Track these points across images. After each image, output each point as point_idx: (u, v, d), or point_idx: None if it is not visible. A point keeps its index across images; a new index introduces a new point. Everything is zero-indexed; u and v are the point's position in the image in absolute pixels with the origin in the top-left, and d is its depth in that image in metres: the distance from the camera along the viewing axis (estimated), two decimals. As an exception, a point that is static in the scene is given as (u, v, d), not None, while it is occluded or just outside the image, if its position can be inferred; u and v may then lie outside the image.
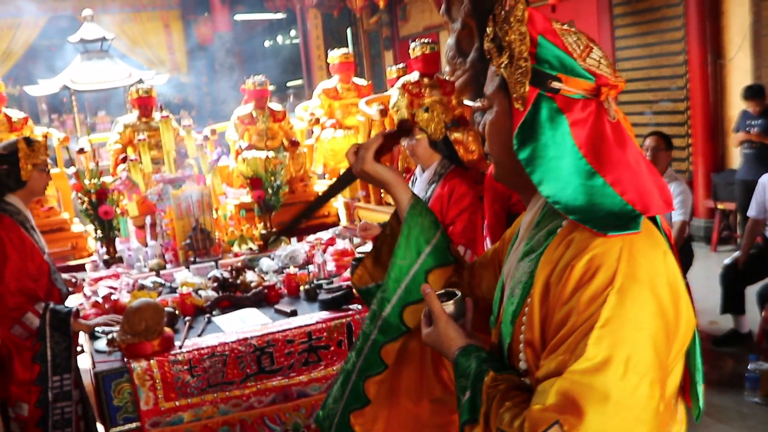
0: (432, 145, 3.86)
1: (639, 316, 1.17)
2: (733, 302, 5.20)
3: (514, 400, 1.27)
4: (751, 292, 5.15)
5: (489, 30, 1.38)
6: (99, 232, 4.99)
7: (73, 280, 3.92)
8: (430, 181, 3.89)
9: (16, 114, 6.69)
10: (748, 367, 4.48)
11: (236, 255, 4.66)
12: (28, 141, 3.44)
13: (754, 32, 7.56)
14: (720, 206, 7.81)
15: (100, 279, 4.23)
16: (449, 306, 1.51)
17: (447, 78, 6.54)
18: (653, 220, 1.30)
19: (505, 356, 1.39)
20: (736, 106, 7.56)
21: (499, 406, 1.28)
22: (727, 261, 5.31)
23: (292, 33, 17.70)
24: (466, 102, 6.34)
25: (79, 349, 3.52)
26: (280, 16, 16.22)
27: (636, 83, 8.90)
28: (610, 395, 1.13)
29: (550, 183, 1.28)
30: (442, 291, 1.57)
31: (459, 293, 1.54)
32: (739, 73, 7.70)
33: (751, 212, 5.30)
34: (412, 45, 6.15)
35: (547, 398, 1.16)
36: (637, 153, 1.31)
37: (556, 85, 1.29)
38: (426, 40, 6.20)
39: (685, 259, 5.30)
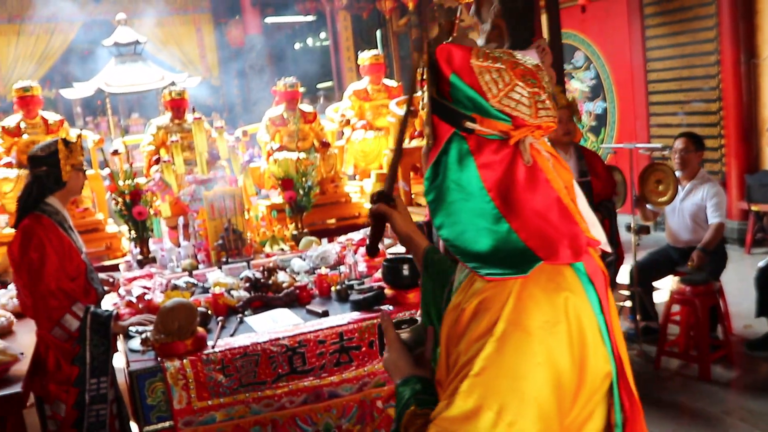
0: None
1: (519, 366, 1.13)
2: None
3: None
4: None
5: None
6: (133, 232, 5.06)
7: (111, 279, 3.97)
8: None
9: (52, 116, 6.80)
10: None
11: (268, 255, 4.69)
12: (66, 142, 3.48)
13: (790, 31, 7.45)
14: (754, 208, 7.69)
15: (134, 279, 4.29)
16: (405, 333, 1.50)
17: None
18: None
19: None
20: (771, 106, 7.47)
21: None
22: (761, 263, 5.24)
23: (322, 35, 17.77)
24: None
25: None
26: (310, 18, 16.28)
27: (667, 83, 8.81)
28: None
29: (450, 227, 1.25)
30: (406, 317, 1.56)
31: (419, 320, 1.53)
32: (774, 73, 7.61)
33: None
34: (442, 46, 6.14)
35: None
36: (551, 198, 1.24)
37: (469, 125, 1.25)
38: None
39: (719, 261, 5.24)
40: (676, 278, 5.07)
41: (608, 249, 1.37)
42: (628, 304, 5.58)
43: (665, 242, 5.58)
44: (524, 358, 1.13)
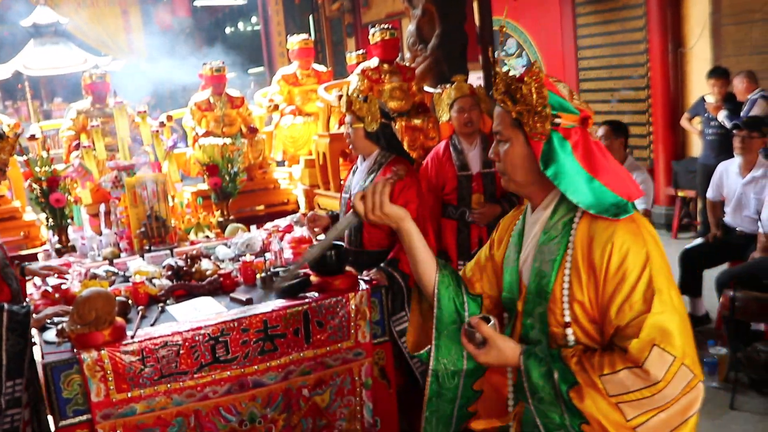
0: (368, 136, 3.79)
1: (662, 267, 1.73)
2: (690, 284, 5.25)
3: (596, 354, 1.74)
4: (708, 276, 5.20)
5: (501, 85, 1.88)
6: (51, 220, 4.86)
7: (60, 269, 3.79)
8: (370, 170, 3.82)
9: (-37, 99, 6.51)
10: (708, 351, 4.51)
11: (193, 243, 4.57)
12: None
13: (714, 21, 7.61)
14: (681, 194, 7.88)
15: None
16: (491, 328, 1.85)
17: (408, 64, 6.48)
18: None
19: (543, 319, 1.87)
20: (696, 94, 7.63)
21: (589, 360, 1.73)
22: (688, 246, 5.37)
23: (254, 19, 17.51)
24: (427, 88, 6.32)
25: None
26: (241, 1, 16.00)
27: (598, 71, 8.94)
28: (676, 318, 1.69)
29: (573, 191, 1.78)
30: (479, 317, 1.89)
31: (492, 318, 1.88)
32: (699, 61, 7.77)
33: (708, 194, 5.51)
34: (372, 31, 6.09)
35: (641, 333, 1.67)
36: (613, 160, 1.85)
37: (557, 120, 1.80)
38: (385, 26, 6.13)
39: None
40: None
41: None
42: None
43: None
44: (662, 262, 1.75)
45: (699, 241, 5.50)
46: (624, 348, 1.68)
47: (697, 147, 7.72)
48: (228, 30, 18.15)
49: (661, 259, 1.73)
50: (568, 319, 1.81)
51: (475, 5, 7.07)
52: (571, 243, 1.81)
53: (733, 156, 5.40)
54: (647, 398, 1.69)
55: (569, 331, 1.82)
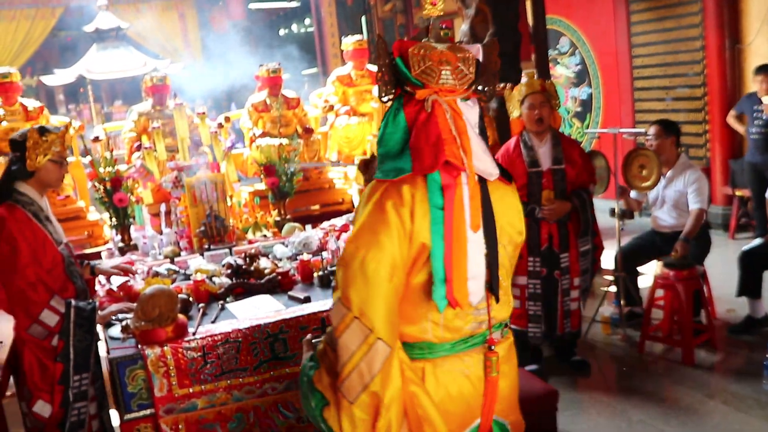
0: None
1: (377, 228, 1.92)
2: (750, 286, 5.15)
3: None
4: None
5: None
6: (114, 219, 5.01)
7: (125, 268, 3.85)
8: None
9: (32, 103, 6.73)
10: (767, 354, 4.44)
11: (250, 242, 4.66)
12: (42, 131, 3.30)
13: (774, 16, 7.45)
14: (738, 193, 7.72)
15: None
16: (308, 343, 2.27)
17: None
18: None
19: None
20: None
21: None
22: (746, 247, 5.26)
23: (307, 21, 17.66)
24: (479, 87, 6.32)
25: None
26: (294, 4, 16.17)
27: (652, 69, 8.81)
28: (351, 275, 1.91)
29: (380, 148, 2.05)
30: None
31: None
32: (757, 58, 7.58)
33: None
34: (426, 31, 6.12)
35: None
36: (433, 134, 1.96)
37: (407, 88, 2.01)
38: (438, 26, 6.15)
39: (702, 246, 5.25)
40: (660, 263, 5.07)
41: (491, 177, 2.04)
42: (613, 289, 5.58)
43: (650, 227, 5.58)
44: (380, 224, 1.93)
45: (758, 241, 5.38)
46: None
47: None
48: (282, 32, 18.34)
49: (383, 215, 1.92)
50: None
51: (528, 4, 7.05)
52: None
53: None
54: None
55: None
